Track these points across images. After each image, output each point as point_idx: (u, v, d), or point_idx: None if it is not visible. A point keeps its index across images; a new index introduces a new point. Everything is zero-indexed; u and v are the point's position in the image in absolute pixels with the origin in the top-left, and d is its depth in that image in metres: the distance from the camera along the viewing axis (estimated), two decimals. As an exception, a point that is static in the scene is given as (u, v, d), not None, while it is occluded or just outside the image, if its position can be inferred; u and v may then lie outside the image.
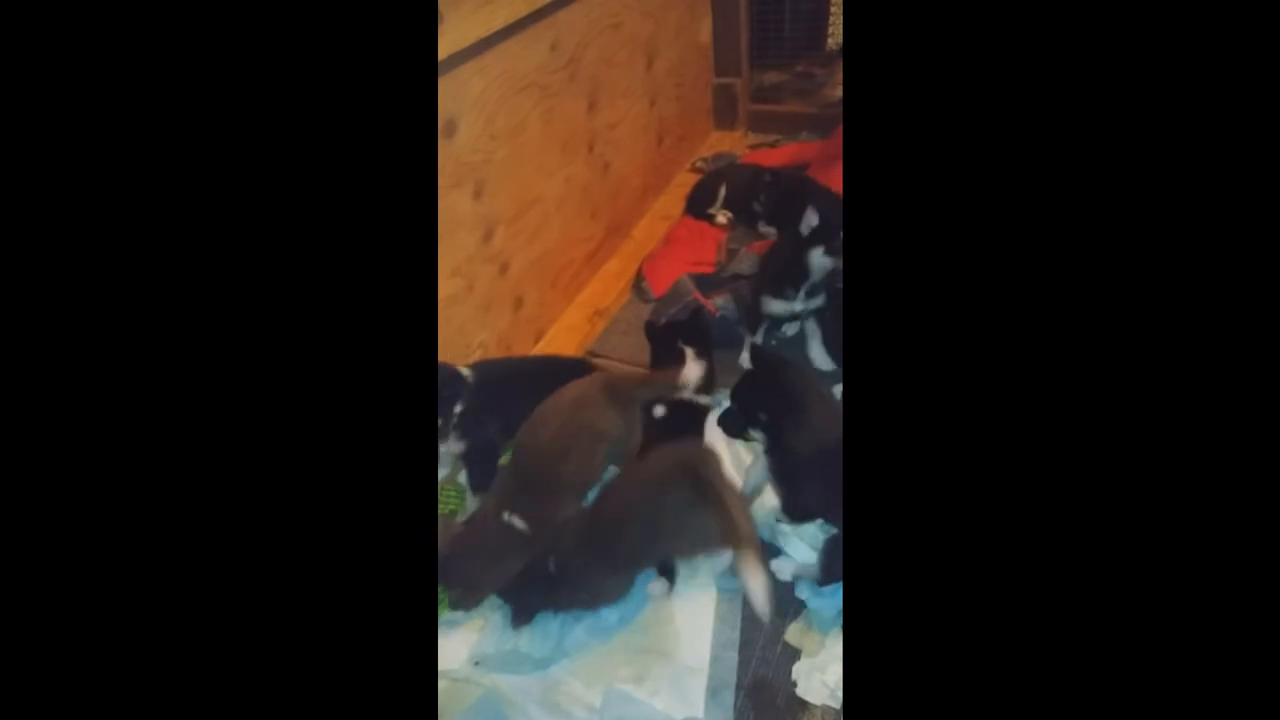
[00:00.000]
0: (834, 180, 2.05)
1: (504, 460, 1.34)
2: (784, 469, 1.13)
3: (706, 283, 1.83)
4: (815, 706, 1.04)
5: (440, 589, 1.16)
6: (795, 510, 1.16)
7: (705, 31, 2.41)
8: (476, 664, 1.11)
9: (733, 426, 1.17)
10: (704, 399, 1.37)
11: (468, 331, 1.48)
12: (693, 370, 1.35)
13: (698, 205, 2.13)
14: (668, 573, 1.17)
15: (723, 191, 2.09)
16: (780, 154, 2.38)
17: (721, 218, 2.09)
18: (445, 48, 1.23)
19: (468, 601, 1.16)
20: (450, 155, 1.35)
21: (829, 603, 1.12)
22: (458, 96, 1.34)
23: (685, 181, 2.26)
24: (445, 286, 1.40)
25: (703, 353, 1.37)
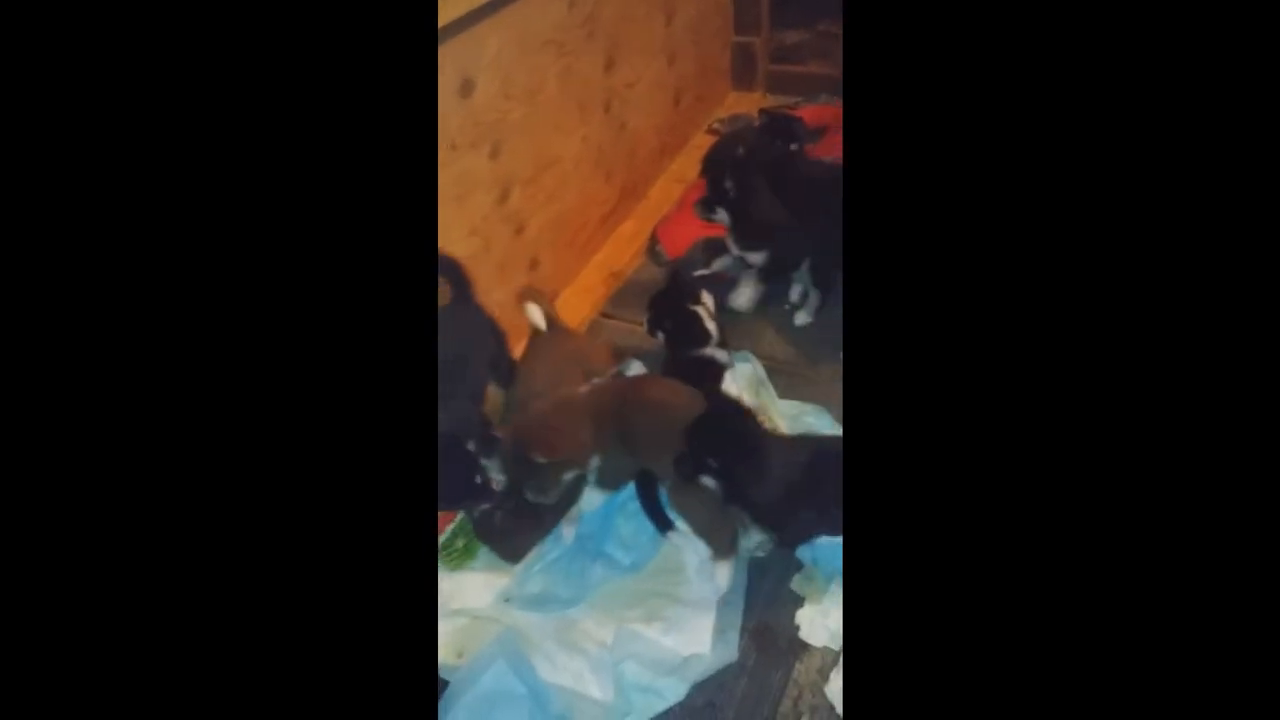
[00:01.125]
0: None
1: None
2: (751, 515, 1.11)
3: (718, 247, 1.84)
4: (816, 648, 1.10)
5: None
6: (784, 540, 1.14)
7: (725, -13, 2.35)
8: (507, 600, 1.18)
9: (686, 469, 1.09)
10: (722, 355, 1.40)
11: (483, 291, 1.51)
12: (711, 326, 1.39)
13: (713, 170, 2.11)
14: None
15: (739, 154, 2.07)
16: (798, 115, 2.34)
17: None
18: (462, 5, 1.23)
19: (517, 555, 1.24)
20: (468, 115, 1.36)
21: (831, 554, 1.17)
22: (475, 55, 1.34)
23: (702, 143, 2.24)
24: (462, 246, 1.43)
25: (717, 312, 1.42)
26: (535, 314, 1.40)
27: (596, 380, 1.27)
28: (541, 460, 1.13)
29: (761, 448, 1.08)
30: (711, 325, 1.40)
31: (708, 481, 1.09)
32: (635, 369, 1.46)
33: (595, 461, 1.20)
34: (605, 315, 1.77)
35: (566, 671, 1.08)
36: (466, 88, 1.34)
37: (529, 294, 1.43)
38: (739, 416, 1.10)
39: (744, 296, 1.68)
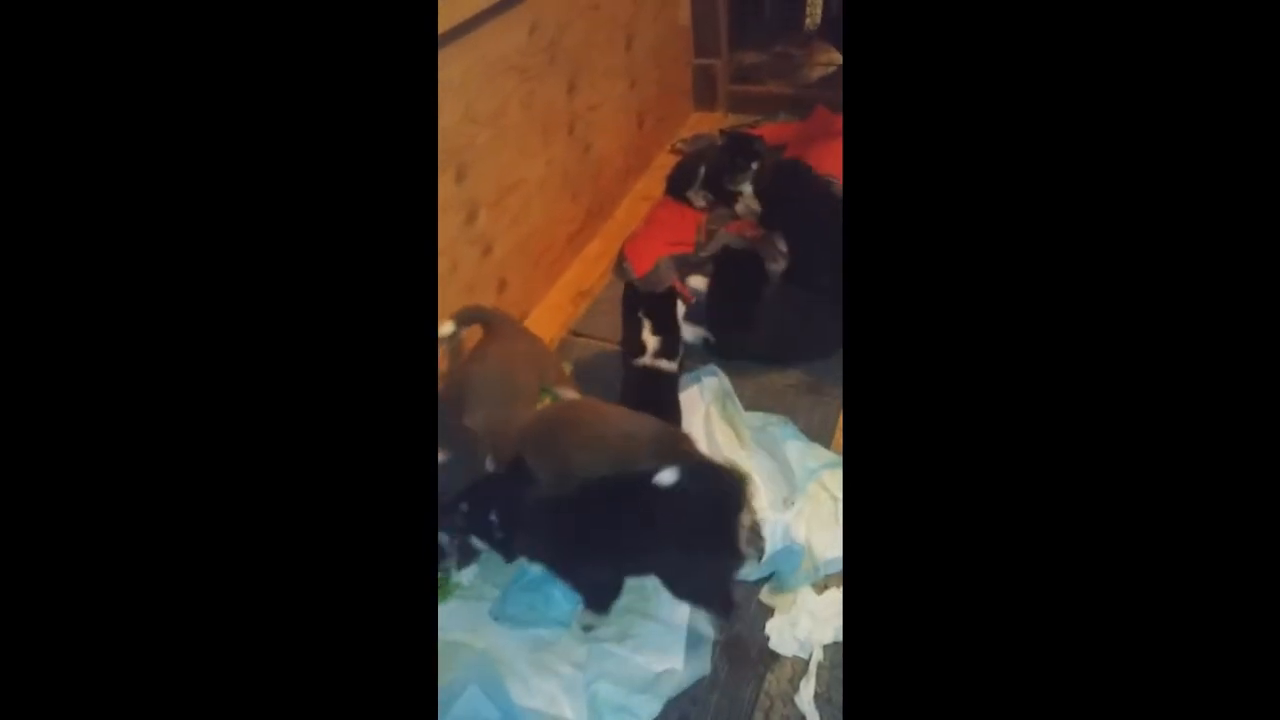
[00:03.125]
0: (812, 161, 2.10)
1: None
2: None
3: (686, 263, 1.88)
4: (786, 659, 1.12)
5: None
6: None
7: (684, 12, 2.41)
8: (496, 619, 1.17)
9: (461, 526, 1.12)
10: (665, 364, 1.42)
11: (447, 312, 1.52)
12: (649, 341, 1.42)
13: (678, 186, 2.16)
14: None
15: (702, 172, 2.12)
16: (759, 135, 2.41)
17: (700, 200, 2.12)
18: (424, 32, 1.25)
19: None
20: (432, 139, 1.37)
21: (795, 564, 1.19)
22: (438, 80, 1.36)
23: (665, 163, 2.29)
24: (430, 269, 1.44)
25: (660, 328, 1.43)
26: (445, 329, 1.41)
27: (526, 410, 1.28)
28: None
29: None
30: (651, 339, 1.42)
31: (477, 543, 1.11)
32: (570, 396, 1.46)
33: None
34: (575, 334, 1.79)
35: (540, 694, 1.08)
36: (429, 113, 1.36)
37: (461, 316, 1.44)
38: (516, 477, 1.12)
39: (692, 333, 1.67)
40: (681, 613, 1.16)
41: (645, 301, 1.47)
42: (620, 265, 1.96)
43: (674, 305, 1.48)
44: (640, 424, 1.21)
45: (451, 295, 1.51)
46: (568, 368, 1.57)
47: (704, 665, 1.11)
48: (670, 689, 1.08)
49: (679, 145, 2.41)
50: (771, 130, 2.41)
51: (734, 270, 1.65)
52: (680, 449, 1.16)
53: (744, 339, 1.60)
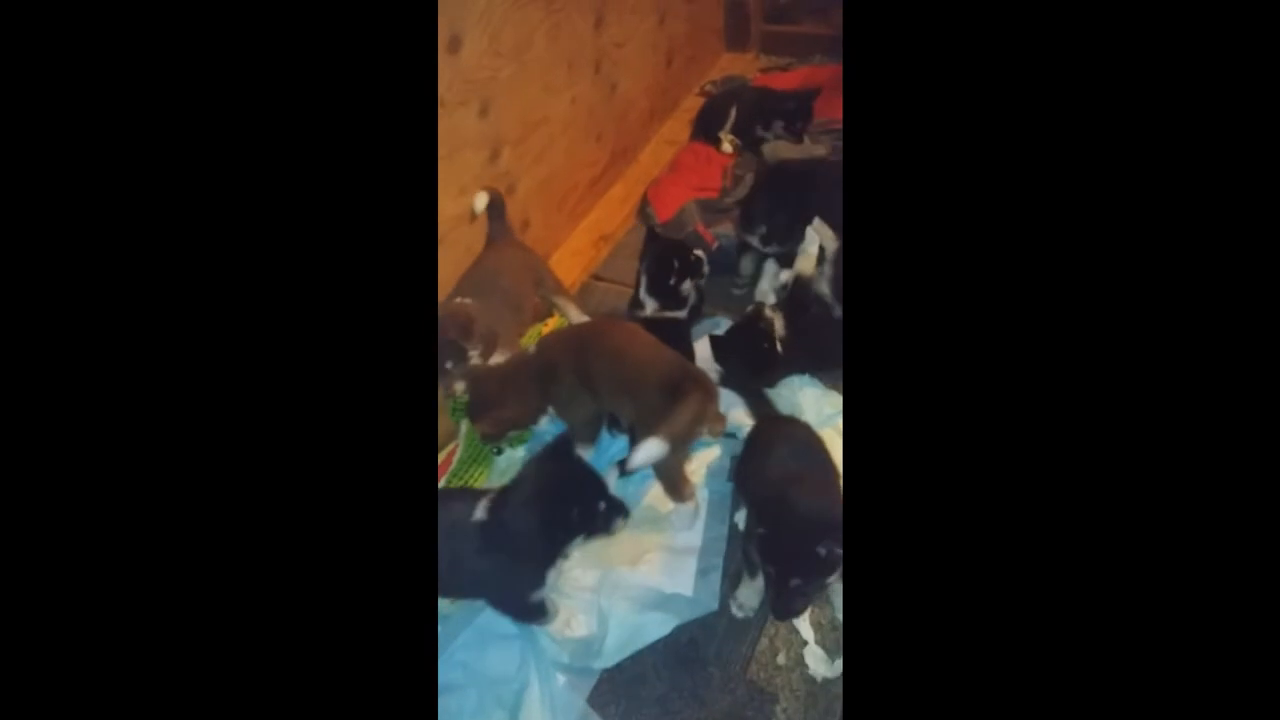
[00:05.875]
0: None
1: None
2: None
3: (710, 209, 1.85)
4: (792, 590, 1.16)
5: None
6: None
7: (718, -57, 2.31)
8: None
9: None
10: (671, 314, 1.42)
11: (475, 251, 1.53)
12: (648, 303, 1.41)
13: (705, 129, 2.11)
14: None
15: (732, 115, 2.06)
16: (792, 78, 2.32)
17: (728, 144, 2.07)
18: (450, -42, 1.22)
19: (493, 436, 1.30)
20: (456, 71, 1.35)
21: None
22: (463, 10, 1.34)
23: (692, 106, 2.23)
24: (453, 205, 1.44)
25: (654, 286, 1.41)
26: (480, 201, 1.39)
27: (552, 332, 1.30)
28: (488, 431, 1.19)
29: None
30: (647, 298, 1.41)
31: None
32: (575, 317, 1.48)
33: (544, 422, 1.27)
34: (596, 278, 1.79)
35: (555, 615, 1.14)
36: (455, 43, 1.34)
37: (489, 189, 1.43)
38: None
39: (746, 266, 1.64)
40: (694, 541, 1.20)
41: (661, 252, 1.43)
42: (643, 210, 1.94)
43: (687, 258, 1.44)
44: (662, 358, 1.22)
45: (476, 233, 1.52)
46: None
47: (714, 591, 1.15)
48: (680, 611, 1.12)
49: (708, 88, 2.34)
50: (805, 74, 2.32)
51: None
52: (685, 388, 1.17)
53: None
